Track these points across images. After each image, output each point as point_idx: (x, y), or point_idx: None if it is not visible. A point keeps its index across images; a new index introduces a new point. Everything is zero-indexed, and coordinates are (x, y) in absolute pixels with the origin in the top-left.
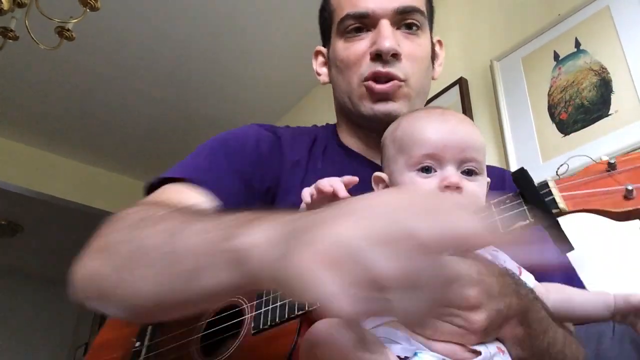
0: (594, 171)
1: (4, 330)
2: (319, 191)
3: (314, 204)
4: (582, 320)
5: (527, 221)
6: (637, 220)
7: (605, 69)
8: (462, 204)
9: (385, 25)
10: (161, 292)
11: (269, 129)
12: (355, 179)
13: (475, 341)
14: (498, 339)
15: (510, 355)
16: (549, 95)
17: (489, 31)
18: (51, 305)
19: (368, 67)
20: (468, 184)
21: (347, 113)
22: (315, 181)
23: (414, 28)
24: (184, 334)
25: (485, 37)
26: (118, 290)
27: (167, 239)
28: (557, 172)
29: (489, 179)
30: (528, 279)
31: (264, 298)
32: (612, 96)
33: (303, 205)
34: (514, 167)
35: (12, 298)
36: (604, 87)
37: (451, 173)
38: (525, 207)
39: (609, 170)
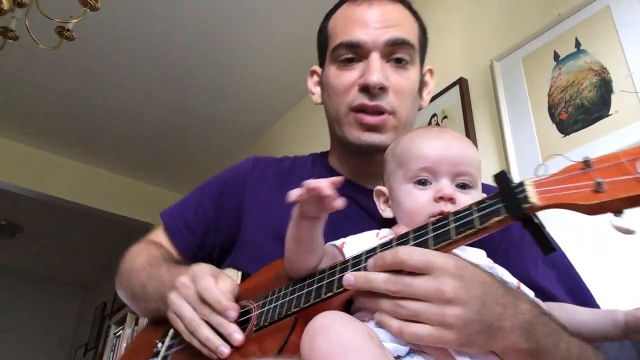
0: (570, 170)
1: (3, 330)
2: (308, 190)
3: (303, 204)
4: (590, 340)
5: (502, 216)
6: (609, 214)
7: (606, 69)
8: None
9: (374, 58)
10: (147, 315)
11: (260, 160)
12: (342, 178)
13: (455, 342)
14: (496, 354)
15: None
16: (549, 95)
17: (489, 31)
18: (51, 305)
19: (355, 98)
20: (461, 196)
21: (335, 135)
22: (283, 197)
23: (403, 62)
24: None
25: (485, 37)
26: (130, 305)
27: (141, 287)
28: (535, 172)
29: (484, 195)
30: (528, 294)
31: (268, 298)
32: (612, 96)
33: (295, 209)
34: (514, 167)
35: (12, 298)
36: (604, 87)
37: (445, 185)
38: (501, 205)
39: (583, 169)
